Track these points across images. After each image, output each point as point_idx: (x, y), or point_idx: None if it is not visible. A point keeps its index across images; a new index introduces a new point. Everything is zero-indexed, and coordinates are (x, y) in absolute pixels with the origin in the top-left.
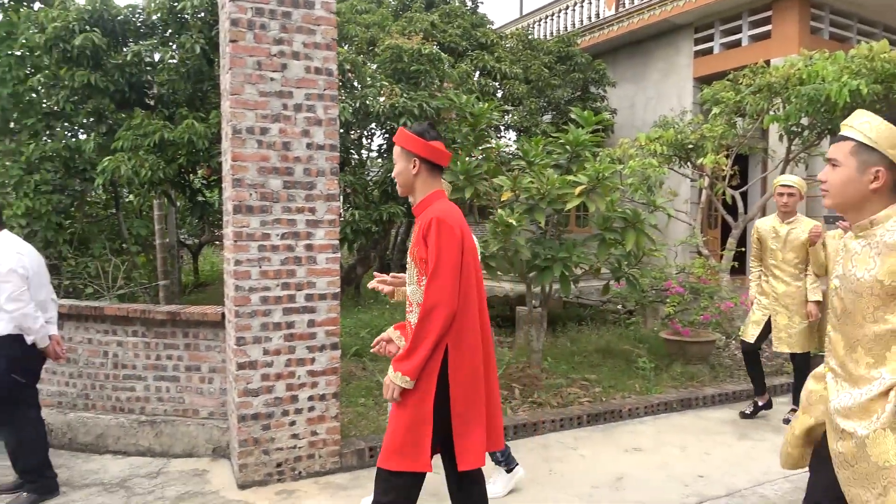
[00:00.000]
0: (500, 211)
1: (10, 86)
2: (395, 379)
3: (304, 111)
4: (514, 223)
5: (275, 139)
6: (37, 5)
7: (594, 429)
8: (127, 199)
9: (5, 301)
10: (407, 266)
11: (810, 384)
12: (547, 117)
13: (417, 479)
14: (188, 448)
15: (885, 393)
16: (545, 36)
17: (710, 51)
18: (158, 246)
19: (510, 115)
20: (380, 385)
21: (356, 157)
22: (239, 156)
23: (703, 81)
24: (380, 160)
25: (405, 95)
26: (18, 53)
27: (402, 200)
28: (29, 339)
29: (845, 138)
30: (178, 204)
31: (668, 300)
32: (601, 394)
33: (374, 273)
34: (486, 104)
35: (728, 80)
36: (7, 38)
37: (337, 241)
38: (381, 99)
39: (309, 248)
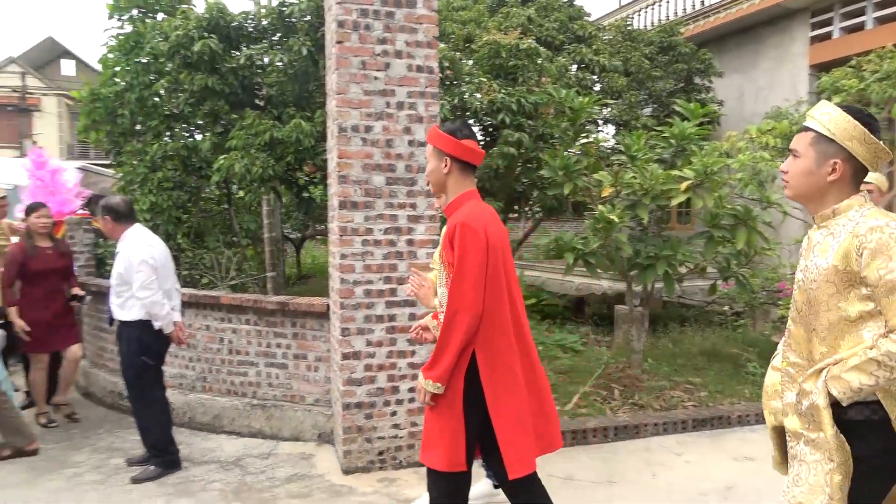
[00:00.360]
0: (600, 207)
1: (137, 91)
2: (426, 385)
3: (406, 109)
4: (616, 220)
5: (378, 137)
6: (160, 16)
7: (700, 434)
8: (237, 195)
9: (137, 289)
10: (437, 269)
11: (770, 376)
12: (647, 110)
13: (460, 477)
14: (295, 432)
15: (819, 372)
16: (646, 26)
17: (828, 36)
18: (266, 239)
19: (608, 109)
20: None
21: None
22: (344, 153)
23: (820, 69)
24: None
25: (503, 91)
26: (144, 61)
27: (500, 196)
28: (156, 325)
29: (807, 129)
30: (285, 200)
31: (781, 302)
32: (707, 398)
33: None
34: (587, 98)
35: (850, 66)
36: (135, 47)
37: (437, 237)
38: (479, 95)
39: (410, 243)
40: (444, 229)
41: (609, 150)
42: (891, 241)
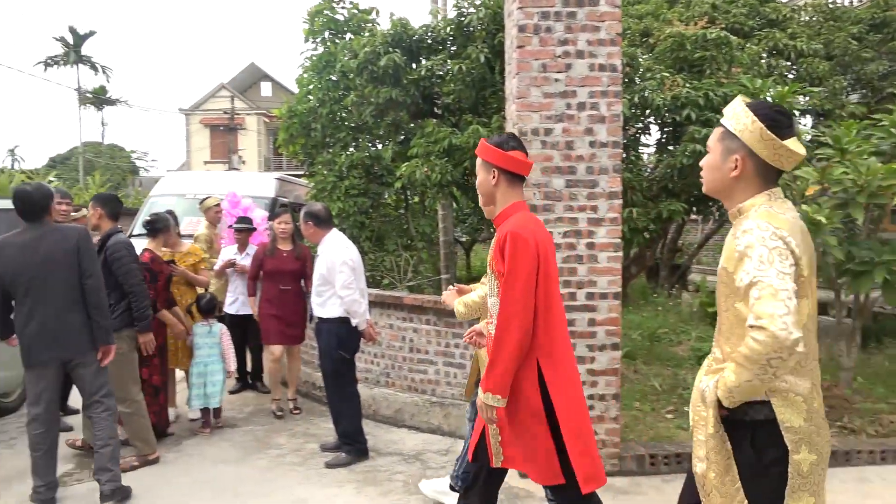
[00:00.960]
0: (804, 206)
1: (328, 106)
2: (486, 400)
3: (587, 109)
4: (824, 220)
5: (558, 139)
6: (348, 36)
7: None
8: (413, 201)
9: (340, 288)
10: (487, 278)
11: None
12: (854, 97)
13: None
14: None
15: (717, 371)
16: (851, 3)
17: None
18: (441, 242)
19: (805, 98)
20: (654, 389)
21: (634, 153)
22: None
23: None
24: (660, 155)
25: (688, 85)
26: (334, 79)
27: (683, 197)
28: (353, 322)
29: (719, 124)
30: (461, 203)
31: None
32: None
33: (449, 286)
34: (786, 88)
35: None
36: (326, 66)
37: (619, 240)
38: (661, 91)
39: (590, 246)
40: (494, 239)
41: (809, 144)
42: (755, 243)
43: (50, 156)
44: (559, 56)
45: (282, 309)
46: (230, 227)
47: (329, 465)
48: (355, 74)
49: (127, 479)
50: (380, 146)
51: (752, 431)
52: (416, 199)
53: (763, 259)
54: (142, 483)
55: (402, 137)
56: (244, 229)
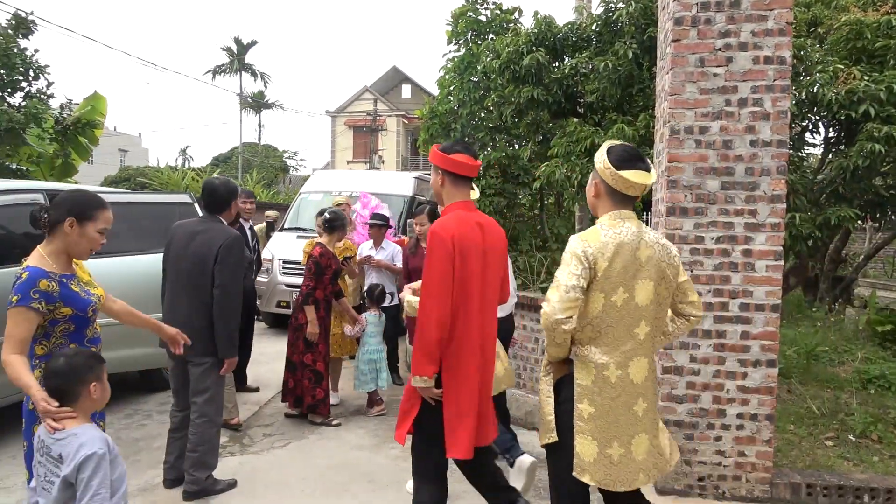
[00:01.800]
0: None
1: (468, 107)
2: (415, 383)
3: (749, 106)
4: None
5: (714, 138)
6: (490, 37)
7: None
8: (549, 201)
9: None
10: None
11: None
12: None
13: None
14: None
15: None
16: None
17: None
18: None
19: None
20: (812, 412)
21: (798, 153)
22: (675, 157)
23: None
24: (829, 155)
25: (866, 78)
26: (475, 79)
27: (855, 202)
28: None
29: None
30: None
31: None
32: None
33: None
34: None
35: None
36: (468, 67)
37: (780, 248)
38: (834, 85)
39: (747, 253)
40: None
41: None
42: (566, 250)
43: (213, 155)
44: (719, 49)
45: None
46: (364, 223)
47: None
48: (497, 74)
49: (266, 458)
50: (518, 146)
51: (561, 380)
52: (552, 199)
53: (564, 262)
54: (280, 462)
55: (542, 137)
56: (379, 225)
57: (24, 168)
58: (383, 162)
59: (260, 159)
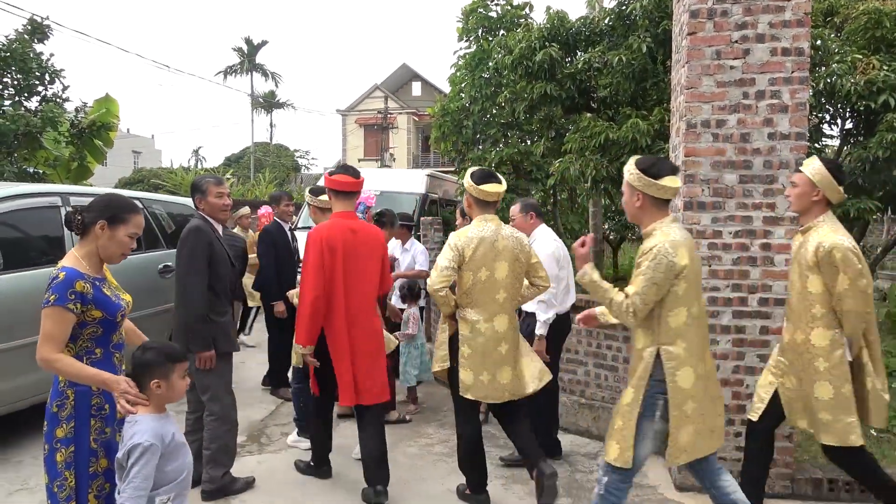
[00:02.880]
0: None
1: (480, 104)
2: (298, 350)
3: (766, 98)
4: None
5: (732, 131)
6: (501, 33)
7: None
8: (562, 197)
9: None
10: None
11: None
12: None
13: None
14: None
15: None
16: None
17: None
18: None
19: None
20: None
21: (816, 144)
22: (692, 151)
23: None
24: (847, 147)
25: (885, 68)
26: (486, 76)
27: (875, 194)
28: (547, 317)
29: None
30: (616, 200)
31: None
32: None
33: None
34: None
35: None
36: (479, 64)
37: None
38: (853, 75)
39: (765, 247)
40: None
41: None
42: (446, 244)
43: (225, 155)
44: (736, 41)
45: None
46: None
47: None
48: (509, 70)
49: (284, 456)
50: (530, 142)
51: (454, 334)
52: (565, 195)
53: (443, 250)
54: (294, 458)
55: (555, 133)
56: (406, 225)
57: (41, 171)
58: (394, 160)
59: (272, 159)
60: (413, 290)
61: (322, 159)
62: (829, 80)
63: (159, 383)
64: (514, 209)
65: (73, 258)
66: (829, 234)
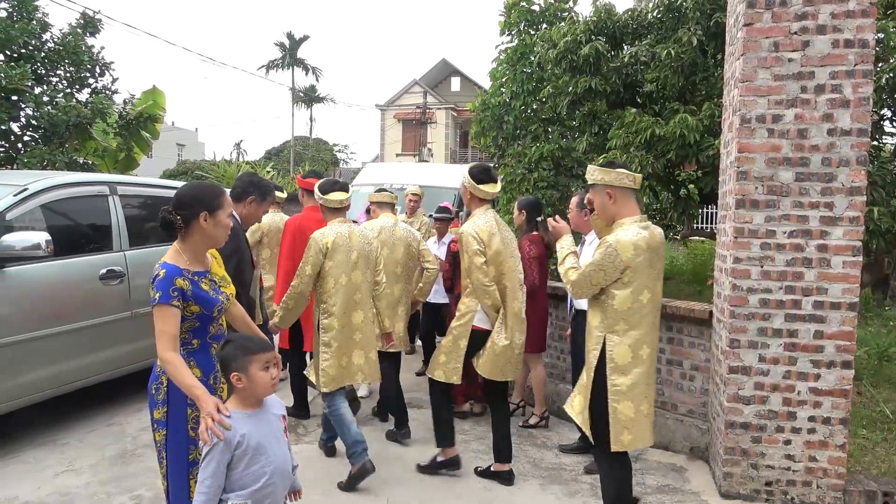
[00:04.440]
0: None
1: (521, 99)
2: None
3: (826, 92)
4: None
5: (788, 126)
6: (543, 26)
7: None
8: None
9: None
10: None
11: None
12: None
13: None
14: (665, 441)
15: None
16: None
17: None
18: None
19: None
20: (885, 416)
21: (875, 141)
22: (746, 147)
23: None
24: None
25: None
26: (528, 71)
27: None
28: None
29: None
30: (661, 198)
31: None
32: None
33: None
34: None
35: None
36: (521, 58)
37: (859, 243)
38: None
39: (822, 248)
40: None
41: None
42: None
43: (266, 149)
44: (795, 33)
45: (533, 315)
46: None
47: (589, 471)
48: (552, 65)
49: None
50: (572, 138)
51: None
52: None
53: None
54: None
55: (598, 129)
56: (443, 218)
57: (90, 161)
58: (432, 155)
59: (311, 153)
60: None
61: (361, 153)
62: (891, 76)
63: (239, 377)
64: (572, 203)
65: (175, 253)
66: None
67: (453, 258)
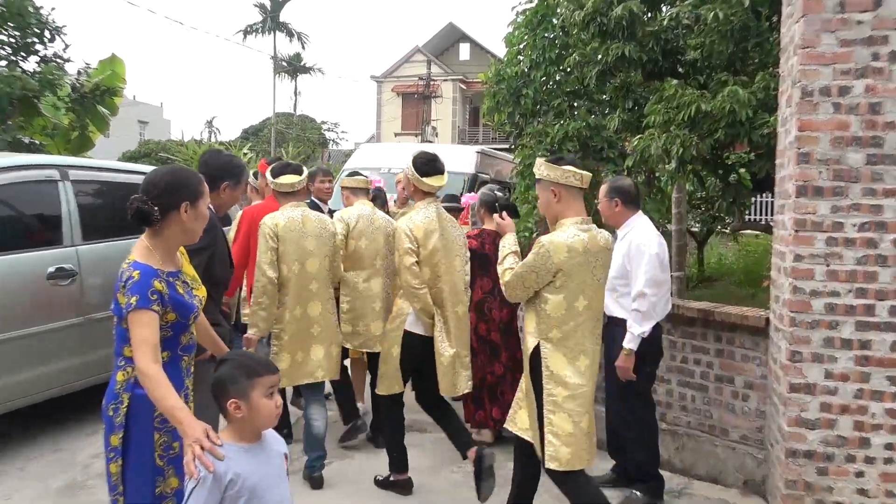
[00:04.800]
0: None
1: (542, 68)
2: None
3: None
4: None
5: (858, 100)
6: None
7: None
8: (639, 180)
9: (645, 285)
10: None
11: None
12: None
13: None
14: (713, 471)
15: None
16: None
17: None
18: (673, 233)
19: None
20: None
21: None
22: (807, 124)
23: None
24: None
25: None
26: (551, 36)
27: None
28: (640, 330)
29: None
30: (707, 185)
31: None
32: None
33: None
34: None
35: None
36: (542, 21)
37: None
38: None
39: None
40: None
41: None
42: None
43: (243, 127)
44: None
45: None
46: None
47: None
48: (579, 29)
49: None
50: (602, 115)
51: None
52: (642, 177)
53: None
54: (328, 482)
55: (632, 104)
56: (453, 208)
57: (38, 142)
58: (437, 135)
59: (296, 132)
60: None
61: (353, 133)
62: None
63: (238, 404)
64: (601, 191)
65: (145, 251)
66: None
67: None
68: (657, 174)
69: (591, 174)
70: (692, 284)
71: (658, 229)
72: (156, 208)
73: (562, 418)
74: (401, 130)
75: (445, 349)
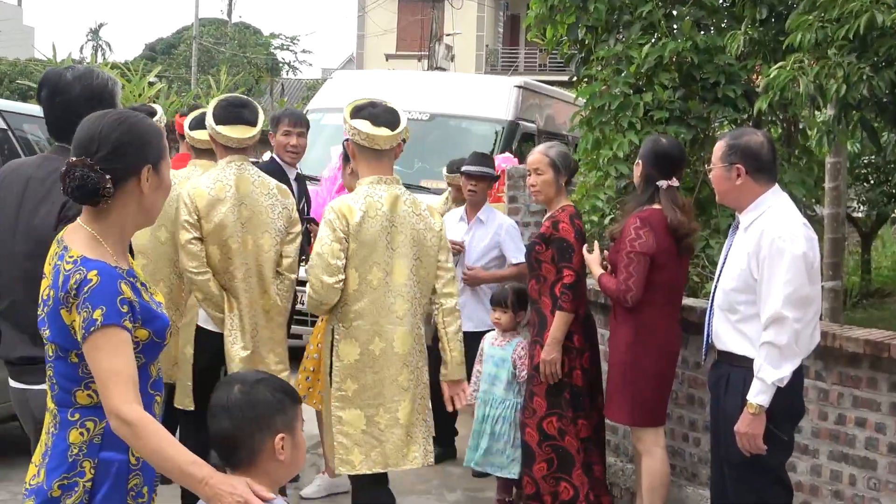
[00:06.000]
0: None
1: None
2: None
3: None
4: None
5: None
6: None
7: None
8: (773, 134)
9: (783, 304)
10: None
11: None
12: None
13: None
14: None
15: None
16: None
17: None
18: (825, 217)
19: None
20: None
21: None
22: None
23: None
24: None
25: None
26: None
27: None
28: (780, 375)
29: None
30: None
31: None
32: None
33: None
34: None
35: None
36: None
37: None
38: None
39: None
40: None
41: None
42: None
43: (147, 42)
44: None
45: None
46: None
47: None
48: None
49: None
50: (717, 29)
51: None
52: (778, 129)
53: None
54: None
55: (766, 13)
56: (478, 176)
57: None
58: (453, 58)
59: (231, 49)
60: (519, 296)
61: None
62: None
63: (285, 439)
64: (716, 151)
65: (92, 241)
66: None
67: (528, 252)
68: (803, 126)
69: (387, 134)
70: (853, 301)
71: (803, 213)
72: (108, 176)
73: (353, 415)
74: (395, 51)
75: (238, 351)
